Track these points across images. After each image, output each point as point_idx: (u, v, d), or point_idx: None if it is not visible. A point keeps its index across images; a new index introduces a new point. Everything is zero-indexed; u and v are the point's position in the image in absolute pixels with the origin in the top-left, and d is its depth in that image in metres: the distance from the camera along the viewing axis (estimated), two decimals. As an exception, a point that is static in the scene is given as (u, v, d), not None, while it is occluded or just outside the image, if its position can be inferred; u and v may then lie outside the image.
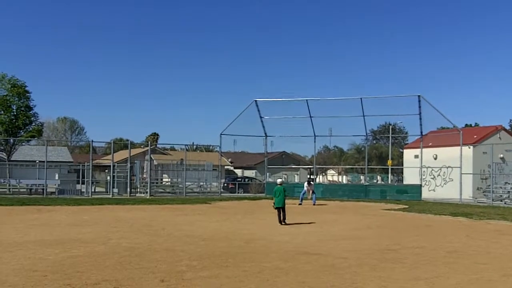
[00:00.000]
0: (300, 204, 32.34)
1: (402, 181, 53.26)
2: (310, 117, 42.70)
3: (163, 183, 46.93)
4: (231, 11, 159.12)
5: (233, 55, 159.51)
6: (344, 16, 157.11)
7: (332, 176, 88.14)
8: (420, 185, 39.83)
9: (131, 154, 41.55)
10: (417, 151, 42.94)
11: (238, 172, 75.44)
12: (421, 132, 41.38)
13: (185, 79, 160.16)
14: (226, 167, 72.05)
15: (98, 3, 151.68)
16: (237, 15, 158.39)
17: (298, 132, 44.31)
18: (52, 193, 36.95)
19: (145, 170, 44.73)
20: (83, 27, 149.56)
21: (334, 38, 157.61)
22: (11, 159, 44.64)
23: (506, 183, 37.68)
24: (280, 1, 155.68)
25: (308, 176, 37.73)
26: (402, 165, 52.77)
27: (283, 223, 19.44)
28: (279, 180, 21.77)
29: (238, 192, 46.88)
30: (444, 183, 43.90)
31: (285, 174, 71.21)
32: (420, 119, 40.05)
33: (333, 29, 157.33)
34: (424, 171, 42.08)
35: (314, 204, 32.01)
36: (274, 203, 19.93)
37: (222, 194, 42.20)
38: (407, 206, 31.02)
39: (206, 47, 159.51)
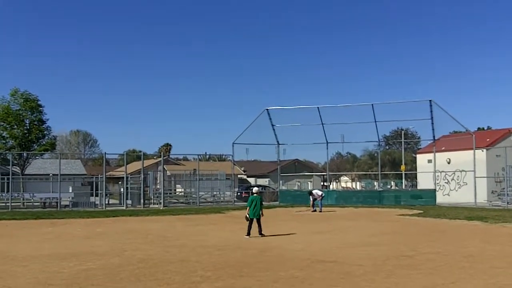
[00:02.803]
0: (313, 211, 32.34)
1: (416, 186, 52.96)
2: (322, 124, 42.68)
3: (177, 193, 46.95)
4: (242, 20, 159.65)
5: (244, 64, 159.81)
6: (352, 23, 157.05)
7: (345, 182, 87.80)
8: (434, 190, 39.59)
9: (144, 165, 41.64)
10: (430, 156, 42.72)
11: (251, 180, 75.33)
12: (434, 137, 41.22)
13: (196, 90, 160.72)
14: (239, 176, 71.90)
15: (109, 16, 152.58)
16: (248, 25, 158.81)
17: (310, 139, 44.32)
18: (66, 206, 37.04)
19: (158, 181, 44.78)
20: (94, 40, 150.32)
21: (342, 45, 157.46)
22: (25, 173, 44.80)
23: (521, 185, 37.43)
24: (290, 10, 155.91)
25: (310, 190, 37.75)
26: (416, 170, 52.51)
27: (260, 235, 18.05)
28: (255, 189, 19.46)
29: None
30: (459, 187, 43.59)
31: (299, 182, 71.03)
32: (432, 123, 39.92)
33: (341, 36, 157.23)
34: (438, 176, 41.85)
35: (320, 211, 32.05)
36: (248, 214, 18.25)
37: (235, 203, 42.13)
38: (421, 211, 30.85)
39: (217, 56, 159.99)
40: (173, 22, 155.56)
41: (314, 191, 34.61)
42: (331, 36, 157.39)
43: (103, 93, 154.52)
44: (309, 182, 70.30)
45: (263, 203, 19.48)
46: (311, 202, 33.35)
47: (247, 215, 18.29)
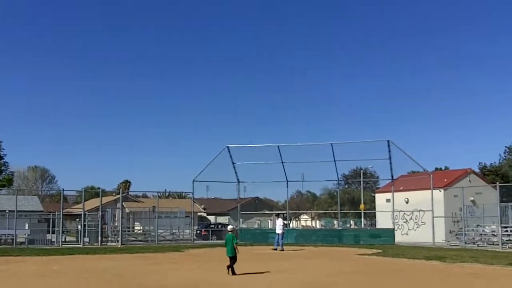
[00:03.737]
0: (275, 249, 32.28)
1: (375, 225, 53.33)
2: (282, 162, 42.85)
3: (135, 231, 46.34)
4: (199, 57, 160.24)
5: (205, 102, 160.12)
6: (309, 63, 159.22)
7: (305, 221, 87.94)
8: (393, 229, 39.94)
9: (103, 202, 41.08)
10: (388, 195, 43.18)
11: (211, 218, 74.98)
12: (392, 176, 41.74)
13: (156, 126, 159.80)
14: (199, 213, 71.60)
15: (61, 52, 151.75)
16: (207, 62, 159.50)
17: (270, 177, 44.41)
18: (21, 243, 36.22)
19: (116, 218, 44.18)
20: (51, 76, 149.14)
21: (302, 85, 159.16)
22: (-20, 209, 43.87)
23: (478, 225, 38.05)
24: (251, 51, 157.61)
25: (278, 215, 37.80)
26: (375, 209, 52.92)
27: (229, 273, 17.77)
28: (229, 227, 19.55)
29: (211, 239, 46.46)
30: (417, 227, 44.03)
31: (259, 220, 70.98)
32: (391, 163, 40.46)
33: (301, 76, 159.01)
34: (396, 215, 42.27)
35: (282, 250, 32.02)
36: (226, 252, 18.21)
37: (195, 242, 41.77)
38: (380, 251, 31.03)
39: (177, 93, 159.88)
40: (129, 60, 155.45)
41: (280, 218, 34.70)
42: (292, 76, 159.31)
43: (62, 130, 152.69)
44: (269, 221, 70.20)
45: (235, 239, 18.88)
46: (278, 231, 33.21)
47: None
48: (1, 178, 44.26)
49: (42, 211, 59.97)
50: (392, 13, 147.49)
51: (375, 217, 55.72)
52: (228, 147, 43.14)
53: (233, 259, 18.00)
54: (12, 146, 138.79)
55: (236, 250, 18.10)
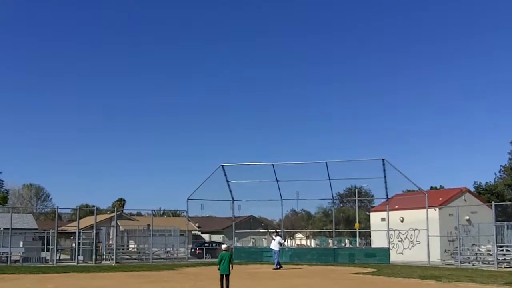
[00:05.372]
0: (277, 268, 32.08)
1: (370, 244, 53.26)
2: (277, 181, 42.80)
3: (129, 249, 46.16)
4: (197, 74, 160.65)
5: (200, 120, 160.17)
6: (307, 81, 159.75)
7: (300, 240, 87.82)
8: (388, 248, 39.86)
9: (97, 221, 40.96)
10: (383, 214, 43.14)
11: (206, 237, 74.81)
12: (387, 195, 41.70)
13: (151, 144, 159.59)
14: (193, 232, 71.36)
15: (64, 67, 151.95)
16: (203, 79, 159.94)
17: (265, 196, 44.24)
18: (16, 261, 35.99)
19: (111, 237, 44.02)
20: (49, 92, 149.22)
21: (298, 103, 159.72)
22: (-25, 226, 43.69)
23: (473, 244, 38.02)
24: (245, 67, 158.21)
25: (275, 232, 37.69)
26: (369, 228, 52.86)
27: None
28: (224, 246, 19.89)
29: (205, 258, 46.36)
30: (412, 246, 44.00)
31: (253, 238, 70.85)
32: (385, 182, 40.38)
33: (297, 94, 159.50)
34: (391, 234, 42.22)
35: (278, 268, 31.91)
36: (219, 269, 18.27)
37: (189, 260, 41.63)
38: (375, 270, 30.95)
39: (171, 112, 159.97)
40: (127, 73, 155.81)
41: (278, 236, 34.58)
42: (287, 93, 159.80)
43: (57, 147, 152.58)
44: (263, 239, 70.13)
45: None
46: (276, 249, 33.09)
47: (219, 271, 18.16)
48: (-4, 196, 44.09)
49: (36, 229, 59.64)
50: (386, 24, 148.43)
51: (370, 236, 55.69)
52: (222, 165, 43.13)
53: (227, 277, 17.98)
54: (7, 163, 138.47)
55: (231, 267, 18.15)
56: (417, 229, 41.35)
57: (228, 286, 17.94)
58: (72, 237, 44.31)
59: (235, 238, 48.56)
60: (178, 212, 79.37)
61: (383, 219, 43.48)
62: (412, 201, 43.49)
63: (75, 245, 38.34)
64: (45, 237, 39.81)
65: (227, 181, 43.72)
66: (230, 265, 18.11)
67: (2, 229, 43.80)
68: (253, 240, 69.35)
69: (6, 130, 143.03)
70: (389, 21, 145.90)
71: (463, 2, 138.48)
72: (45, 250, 38.72)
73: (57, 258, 37.40)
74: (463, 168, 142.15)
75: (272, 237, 35.26)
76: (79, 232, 38.59)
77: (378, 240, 45.11)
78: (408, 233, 43.94)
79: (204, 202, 43.63)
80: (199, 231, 76.70)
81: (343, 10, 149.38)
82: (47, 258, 37.44)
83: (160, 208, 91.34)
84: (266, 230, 72.54)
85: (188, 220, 45.61)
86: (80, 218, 40.81)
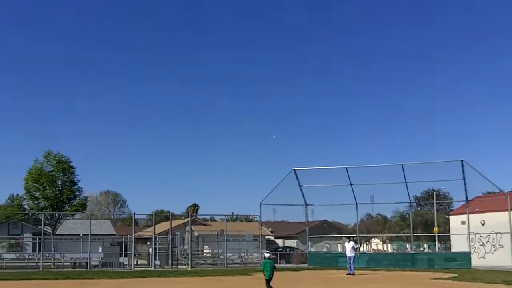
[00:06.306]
0: (350, 274, 31.42)
1: (449, 248, 51.81)
2: (351, 184, 42.00)
3: (204, 254, 46.55)
4: (265, 81, 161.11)
5: (272, 124, 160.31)
6: (378, 82, 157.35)
7: (376, 244, 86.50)
8: (469, 253, 38.51)
9: (172, 226, 41.43)
10: (463, 217, 41.73)
11: (279, 242, 74.57)
12: (467, 198, 40.26)
13: (223, 150, 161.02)
14: (266, 237, 71.31)
15: (136, 80, 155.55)
16: (273, 85, 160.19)
17: (339, 200, 43.36)
18: (95, 266, 36.98)
19: (186, 242, 44.51)
20: (120, 103, 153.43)
21: (372, 106, 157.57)
22: (56, 233, 45.09)
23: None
24: (318, 73, 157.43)
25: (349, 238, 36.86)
26: (449, 232, 51.38)
27: None
28: (267, 254, 21.21)
29: (279, 263, 46.10)
30: (494, 250, 42.46)
31: (328, 243, 70.09)
32: (465, 184, 38.99)
33: (370, 96, 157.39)
34: (472, 238, 40.81)
35: (353, 274, 31.18)
36: (264, 275, 19.96)
37: (264, 265, 41.50)
38: (456, 275, 29.90)
39: (243, 118, 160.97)
40: (208, 81, 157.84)
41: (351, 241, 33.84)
42: (357, 95, 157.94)
43: (133, 155, 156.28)
44: (338, 244, 69.27)
45: (276, 266, 20.72)
46: (350, 254, 32.35)
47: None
48: (75, 203, 45.29)
49: (114, 234, 61.35)
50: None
51: (449, 240, 54.17)
52: (294, 169, 42.75)
53: (269, 281, 19.57)
54: (86, 172, 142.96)
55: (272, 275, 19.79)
56: (499, 233, 39.91)
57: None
58: (148, 243, 45.06)
59: (309, 243, 48.03)
60: (250, 217, 79.79)
61: (463, 223, 42.09)
62: (493, 203, 42.04)
63: (152, 250, 38.93)
64: (123, 243, 40.64)
65: (300, 186, 43.28)
66: (273, 271, 19.71)
67: (81, 235, 45.14)
68: (328, 245, 68.58)
69: (86, 139, 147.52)
70: None
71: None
72: (123, 255, 39.52)
73: (135, 263, 38.07)
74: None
75: (348, 242, 34.59)
76: (155, 237, 39.18)
77: (458, 244, 43.78)
78: (490, 237, 42.49)
79: (277, 207, 43.51)
80: (272, 236, 76.60)
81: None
82: (125, 263, 38.22)
83: (232, 213, 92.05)
84: (341, 235, 71.62)
85: (261, 225, 45.51)
86: (155, 223, 41.43)
